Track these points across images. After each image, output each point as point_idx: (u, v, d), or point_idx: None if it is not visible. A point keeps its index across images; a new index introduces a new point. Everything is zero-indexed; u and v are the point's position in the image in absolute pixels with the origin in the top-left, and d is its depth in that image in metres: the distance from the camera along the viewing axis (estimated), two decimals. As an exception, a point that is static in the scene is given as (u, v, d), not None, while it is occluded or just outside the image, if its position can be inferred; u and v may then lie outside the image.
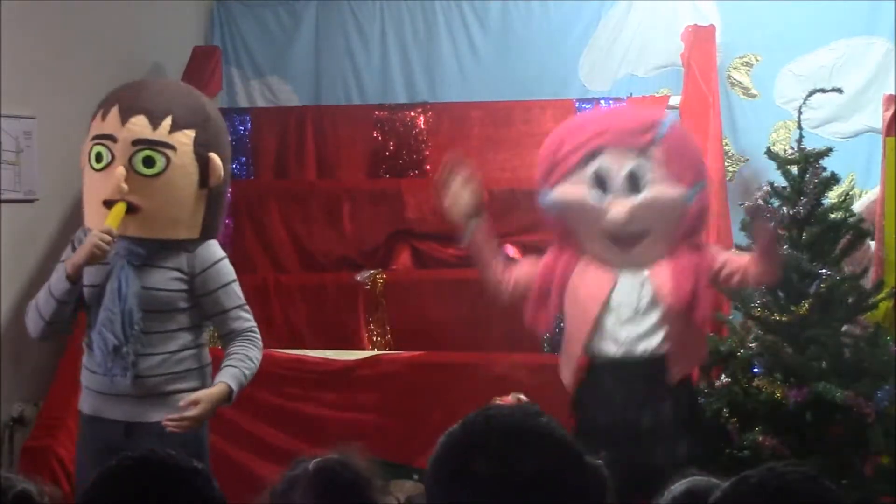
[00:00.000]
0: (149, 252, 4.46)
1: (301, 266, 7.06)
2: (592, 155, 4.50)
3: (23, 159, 6.72)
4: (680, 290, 4.45)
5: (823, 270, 5.28)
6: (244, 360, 4.47)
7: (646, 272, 4.52)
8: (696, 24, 7.23)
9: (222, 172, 4.57)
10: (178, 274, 4.48)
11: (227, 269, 4.58)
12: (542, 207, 4.71)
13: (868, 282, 5.60)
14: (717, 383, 5.35)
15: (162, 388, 4.43)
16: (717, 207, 6.63)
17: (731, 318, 5.73)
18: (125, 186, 4.36)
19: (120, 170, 4.37)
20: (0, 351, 6.53)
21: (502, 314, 6.32)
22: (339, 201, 7.07)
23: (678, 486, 2.69)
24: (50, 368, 6.61)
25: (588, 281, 4.58)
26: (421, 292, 6.59)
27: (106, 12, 7.35)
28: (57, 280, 4.43)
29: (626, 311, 4.51)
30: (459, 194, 4.64)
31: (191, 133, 4.48)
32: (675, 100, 7.13)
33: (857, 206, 5.99)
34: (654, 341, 4.48)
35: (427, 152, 7.35)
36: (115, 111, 4.46)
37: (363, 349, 6.43)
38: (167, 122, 4.44)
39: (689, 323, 4.50)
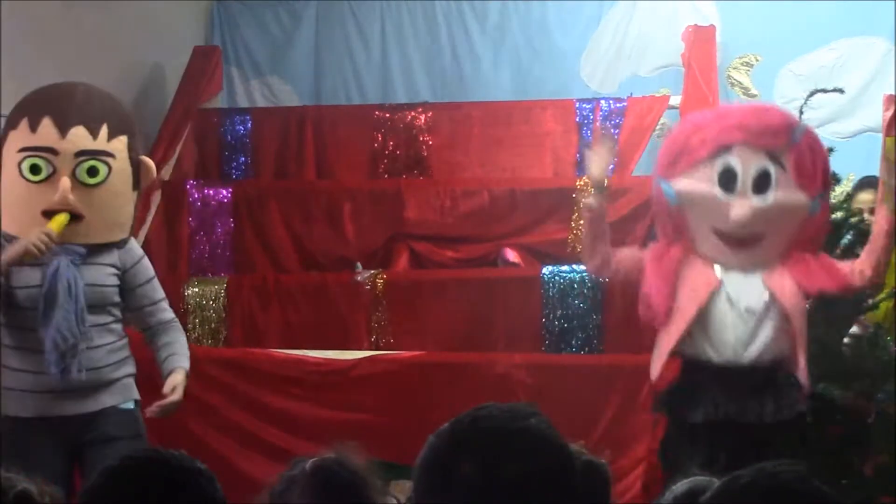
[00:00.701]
0: (88, 251, 4.54)
1: (301, 266, 7.05)
2: (723, 150, 4.41)
3: (22, 159, 6.70)
4: (799, 293, 4.44)
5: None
6: (184, 346, 4.76)
7: (759, 276, 4.48)
8: (696, 25, 7.24)
9: (154, 174, 4.81)
10: (113, 270, 4.60)
11: (150, 264, 4.76)
12: (659, 196, 4.60)
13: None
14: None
15: (108, 376, 4.56)
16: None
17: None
18: (72, 197, 4.43)
19: (65, 181, 4.42)
20: (0, 350, 6.51)
21: (503, 314, 6.34)
22: (339, 201, 7.06)
23: (680, 486, 2.69)
24: (50, 368, 6.59)
25: (692, 280, 4.52)
26: (421, 292, 6.58)
27: (106, 13, 7.34)
28: None
29: (731, 314, 4.48)
30: (604, 157, 4.59)
31: (124, 139, 4.59)
32: (675, 99, 7.13)
33: None
34: (760, 347, 4.46)
35: (427, 152, 7.35)
36: (47, 123, 4.48)
37: (363, 349, 6.43)
38: (104, 130, 4.53)
39: (796, 329, 4.50)
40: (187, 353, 4.74)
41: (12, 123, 4.55)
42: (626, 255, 4.68)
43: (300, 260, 7.08)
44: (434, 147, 7.35)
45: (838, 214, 5.38)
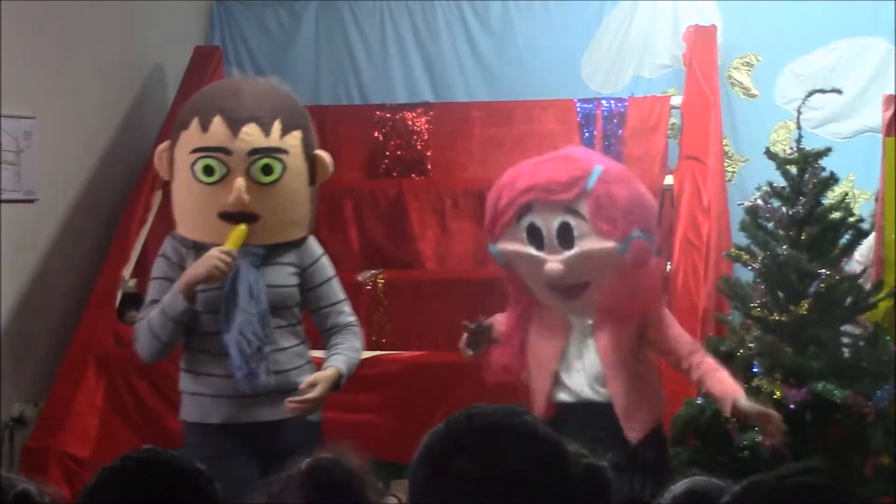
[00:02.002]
0: (268, 251, 4.45)
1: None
2: (524, 210, 4.49)
3: (23, 159, 6.73)
4: (616, 346, 4.49)
5: (823, 270, 5.27)
6: (351, 350, 4.54)
7: (590, 322, 4.55)
8: (697, 24, 7.24)
9: (331, 169, 4.62)
10: (293, 269, 4.50)
11: (329, 264, 4.62)
12: (495, 259, 4.72)
13: (867, 281, 5.60)
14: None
15: (295, 380, 4.41)
16: (717, 207, 6.65)
17: (730, 318, 5.73)
18: (247, 197, 4.32)
19: (240, 181, 4.32)
20: (0, 350, 6.53)
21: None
22: (340, 201, 7.07)
23: (678, 486, 2.69)
24: (51, 368, 6.62)
25: (544, 334, 4.60)
26: (421, 292, 6.59)
27: (106, 12, 7.36)
28: (171, 301, 4.34)
29: (575, 361, 4.54)
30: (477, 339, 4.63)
31: (298, 134, 4.47)
32: (676, 100, 7.13)
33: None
34: (602, 390, 4.51)
35: (428, 152, 7.35)
36: (219, 121, 4.36)
37: (365, 349, 6.43)
38: (277, 126, 4.41)
39: (638, 376, 4.51)
40: (352, 356, 4.53)
41: (183, 124, 4.44)
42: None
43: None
44: (435, 147, 7.36)
45: (837, 215, 5.39)
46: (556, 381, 4.57)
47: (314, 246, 4.60)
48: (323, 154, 4.58)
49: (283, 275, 4.48)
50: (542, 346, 4.61)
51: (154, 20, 7.79)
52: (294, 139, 4.46)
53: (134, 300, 6.81)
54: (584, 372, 4.53)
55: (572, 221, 4.41)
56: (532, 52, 7.83)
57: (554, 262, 4.44)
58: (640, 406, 4.52)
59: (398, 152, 7.33)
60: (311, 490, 2.79)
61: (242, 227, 4.33)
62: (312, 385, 4.33)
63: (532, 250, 4.49)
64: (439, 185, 7.14)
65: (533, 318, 4.63)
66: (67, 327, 6.74)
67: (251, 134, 4.36)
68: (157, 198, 7.05)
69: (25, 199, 6.78)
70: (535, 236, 4.49)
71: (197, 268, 4.30)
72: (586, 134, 7.15)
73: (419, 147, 7.32)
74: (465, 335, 4.61)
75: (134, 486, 2.26)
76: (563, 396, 4.56)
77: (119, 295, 6.76)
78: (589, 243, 4.41)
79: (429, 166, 7.35)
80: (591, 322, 4.54)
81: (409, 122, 7.33)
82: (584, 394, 4.52)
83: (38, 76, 6.86)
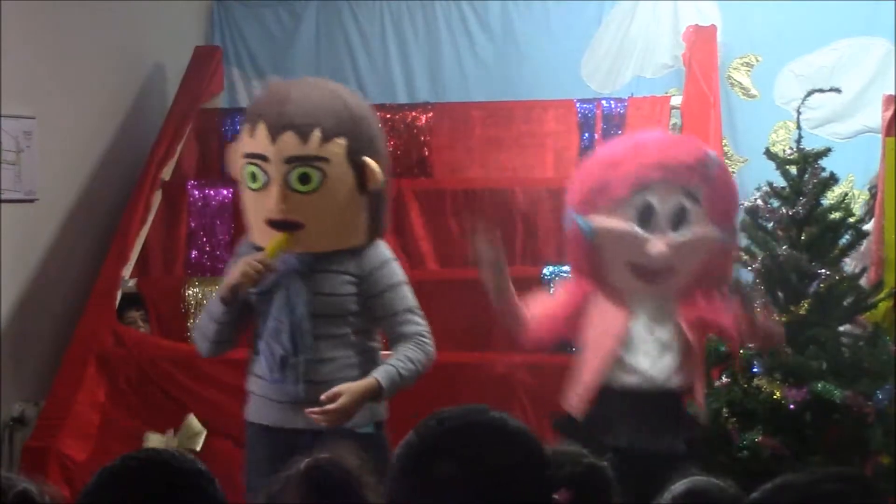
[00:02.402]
0: (317, 258, 4.37)
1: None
2: (643, 187, 4.34)
3: (23, 159, 6.73)
4: (700, 327, 4.44)
5: (822, 271, 5.27)
6: (402, 360, 4.38)
7: (668, 307, 4.46)
8: (697, 24, 7.24)
9: (380, 176, 4.41)
10: (348, 277, 4.38)
11: (396, 270, 4.49)
12: (575, 231, 4.49)
13: (867, 281, 5.60)
14: (717, 383, 5.35)
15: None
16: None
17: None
18: (283, 206, 4.27)
19: (274, 191, 4.28)
20: (0, 350, 6.53)
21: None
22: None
23: (678, 486, 2.69)
24: (51, 368, 6.62)
25: (605, 313, 4.48)
26: (421, 292, 6.56)
27: (107, 12, 7.36)
28: (212, 303, 4.39)
29: (642, 345, 4.45)
30: (487, 259, 4.54)
31: (342, 142, 4.33)
32: (676, 100, 7.14)
33: None
34: (669, 374, 4.46)
35: (428, 152, 7.35)
36: (262, 128, 4.31)
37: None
38: (316, 134, 4.30)
39: (696, 359, 4.49)
40: (402, 367, 4.37)
41: (242, 126, 4.44)
42: (540, 311, 4.61)
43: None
44: (435, 147, 7.36)
45: (836, 215, 5.39)
46: (620, 365, 4.44)
47: (378, 252, 4.48)
48: (369, 161, 4.37)
49: (336, 283, 4.37)
50: (603, 329, 4.47)
51: (154, 20, 7.80)
52: (337, 147, 4.32)
53: (134, 300, 6.82)
54: (653, 356, 4.42)
55: (688, 205, 4.33)
56: (532, 52, 7.84)
57: (659, 244, 4.32)
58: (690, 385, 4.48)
59: (398, 152, 7.32)
60: (308, 490, 2.79)
61: (281, 236, 4.29)
62: (336, 395, 4.21)
63: (637, 228, 4.35)
64: (439, 184, 7.13)
65: (593, 300, 4.50)
66: (68, 327, 6.74)
67: (288, 142, 4.29)
68: (157, 198, 7.06)
69: (25, 199, 6.78)
70: (645, 215, 4.36)
71: (231, 273, 4.30)
72: (586, 134, 7.15)
73: (419, 147, 7.32)
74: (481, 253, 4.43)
75: (134, 486, 2.26)
76: (627, 380, 4.43)
77: (119, 295, 6.76)
78: (699, 229, 4.33)
79: (429, 166, 7.35)
80: (665, 306, 4.45)
81: (410, 122, 7.32)
82: (653, 379, 4.41)
83: (39, 76, 6.86)
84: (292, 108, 4.33)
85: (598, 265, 4.47)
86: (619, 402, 4.39)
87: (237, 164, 4.39)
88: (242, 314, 4.42)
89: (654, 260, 4.34)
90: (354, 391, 4.23)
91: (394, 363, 4.35)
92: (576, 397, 4.48)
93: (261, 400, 4.40)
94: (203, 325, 4.44)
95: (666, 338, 4.41)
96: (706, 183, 4.32)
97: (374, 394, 4.28)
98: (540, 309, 4.58)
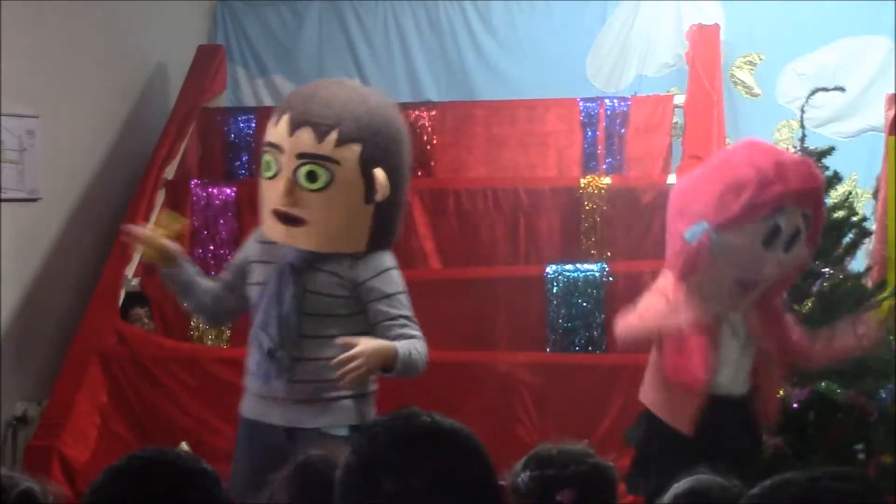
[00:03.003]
0: (315, 256, 4.37)
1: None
2: (782, 210, 4.31)
3: (26, 158, 6.72)
4: (772, 333, 4.46)
5: (826, 269, 5.27)
6: (414, 346, 4.36)
7: (742, 315, 4.46)
8: (700, 24, 7.24)
9: (388, 189, 4.38)
10: (341, 280, 4.36)
11: (395, 280, 4.46)
12: (695, 240, 4.39)
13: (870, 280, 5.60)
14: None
15: (320, 394, 4.31)
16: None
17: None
18: (287, 199, 4.29)
19: (280, 184, 4.30)
20: (2, 350, 6.54)
21: (506, 313, 6.34)
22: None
23: (682, 485, 2.70)
24: (53, 367, 6.62)
25: (698, 328, 4.42)
26: (424, 291, 6.57)
27: (110, 12, 7.36)
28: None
29: (728, 351, 4.45)
30: None
31: (357, 148, 4.29)
32: (679, 99, 7.13)
33: None
34: (743, 381, 4.46)
35: (432, 151, 7.35)
36: (285, 119, 4.33)
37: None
38: (333, 135, 4.27)
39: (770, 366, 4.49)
40: (415, 351, 4.34)
41: (271, 118, 4.47)
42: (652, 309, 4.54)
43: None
44: (438, 146, 7.35)
45: (840, 214, 5.39)
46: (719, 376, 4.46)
47: (378, 261, 4.44)
48: (379, 173, 4.34)
49: (329, 283, 4.36)
50: (696, 341, 4.43)
51: (157, 19, 7.80)
52: (350, 152, 4.29)
53: (139, 297, 6.82)
54: (734, 365, 4.43)
55: (802, 227, 4.34)
56: (536, 51, 7.83)
57: (774, 263, 4.33)
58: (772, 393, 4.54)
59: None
60: (299, 489, 2.79)
61: (172, 218, 4.56)
62: (353, 358, 4.18)
63: (761, 247, 4.32)
64: (442, 183, 7.13)
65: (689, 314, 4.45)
66: (70, 326, 6.74)
67: (303, 138, 4.29)
68: (161, 196, 7.06)
69: (28, 198, 6.78)
70: (772, 235, 4.33)
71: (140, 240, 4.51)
72: (589, 133, 7.15)
73: (422, 146, 7.31)
74: None
75: (140, 485, 2.25)
76: (715, 390, 4.43)
77: (122, 294, 6.76)
78: (802, 252, 4.38)
79: (432, 165, 7.35)
80: (745, 317, 4.45)
81: (412, 121, 7.32)
82: (731, 386, 4.43)
83: (42, 75, 6.86)
84: (316, 105, 4.33)
85: (704, 274, 4.42)
86: (711, 410, 4.39)
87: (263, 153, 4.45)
88: (230, 294, 4.51)
89: (762, 277, 4.35)
90: (372, 346, 4.21)
91: (407, 344, 4.33)
92: (674, 405, 4.46)
93: (247, 394, 4.42)
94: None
95: (745, 344, 4.42)
96: (817, 207, 4.37)
97: (390, 359, 4.25)
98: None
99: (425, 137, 7.31)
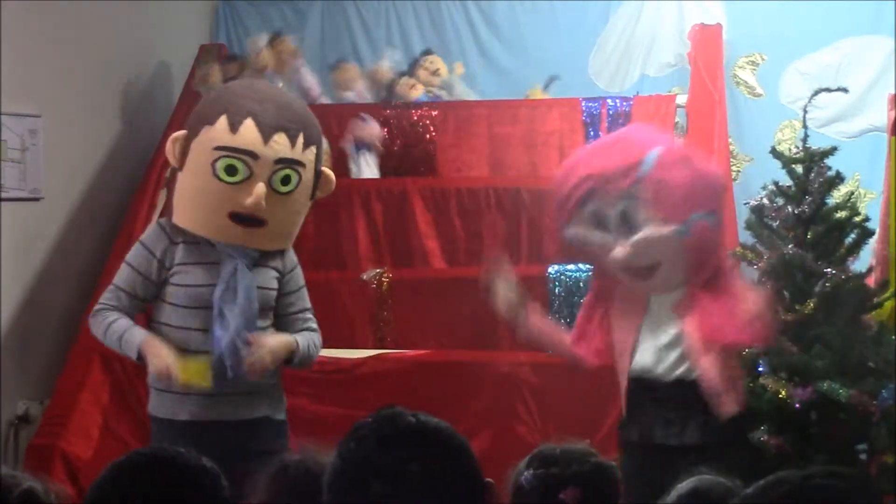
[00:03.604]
0: (262, 253, 4.51)
1: (309, 265, 7.05)
2: (587, 197, 4.45)
3: (28, 157, 6.73)
4: (702, 324, 4.43)
5: (828, 270, 5.27)
6: (312, 340, 4.62)
7: (671, 300, 4.49)
8: (702, 24, 7.24)
9: (333, 187, 4.68)
10: (276, 274, 4.55)
11: (301, 274, 4.69)
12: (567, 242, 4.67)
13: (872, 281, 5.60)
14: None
15: (267, 382, 4.48)
16: (726, 205, 6.65)
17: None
18: (263, 204, 4.35)
19: (261, 187, 4.34)
20: (4, 349, 6.54)
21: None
22: (347, 199, 7.07)
23: (685, 485, 2.70)
24: (55, 366, 6.62)
25: (623, 313, 4.58)
26: (426, 291, 6.59)
27: (111, 11, 7.37)
28: (128, 345, 4.38)
29: (650, 338, 4.49)
30: (503, 293, 4.62)
31: (314, 150, 4.51)
32: (681, 98, 7.13)
33: None
34: (683, 367, 4.47)
35: (434, 151, 7.35)
36: (250, 125, 4.36)
37: (369, 348, 6.44)
38: (301, 139, 4.42)
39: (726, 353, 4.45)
40: (311, 345, 4.59)
41: (206, 118, 4.43)
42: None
43: (308, 258, 7.08)
44: (441, 146, 7.35)
45: (842, 214, 5.39)
46: (635, 357, 4.52)
47: (293, 255, 4.68)
48: (328, 172, 4.63)
49: (269, 277, 4.52)
50: (620, 325, 4.58)
51: (159, 19, 7.80)
52: (311, 154, 4.49)
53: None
54: (657, 349, 4.47)
55: (632, 207, 4.37)
56: (539, 51, 7.83)
57: (619, 248, 4.40)
58: (730, 382, 4.45)
59: (405, 150, 7.32)
60: (280, 489, 2.80)
61: (205, 365, 4.35)
62: (259, 346, 4.38)
63: (598, 235, 4.46)
64: (445, 183, 7.13)
65: (614, 298, 4.60)
66: (72, 325, 6.74)
67: (280, 143, 4.37)
68: (162, 196, 7.05)
69: (30, 198, 6.78)
70: (599, 222, 4.45)
71: (154, 360, 4.31)
72: (591, 133, 7.15)
73: (425, 146, 7.32)
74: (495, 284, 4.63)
75: (140, 482, 2.25)
76: (637, 373, 4.51)
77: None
78: (650, 228, 4.37)
79: (435, 164, 7.35)
80: (670, 299, 4.48)
81: (415, 121, 7.32)
82: (655, 371, 4.46)
83: (44, 74, 6.86)
84: (282, 109, 4.45)
85: (603, 268, 4.58)
86: (642, 394, 4.44)
87: (204, 154, 4.39)
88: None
89: (617, 265, 4.43)
90: (275, 344, 4.43)
91: (307, 337, 4.57)
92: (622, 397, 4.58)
93: (175, 396, 4.40)
94: (112, 340, 4.44)
95: (673, 331, 4.43)
96: (643, 181, 4.34)
97: (290, 353, 4.48)
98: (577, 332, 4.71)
99: (428, 137, 7.31)
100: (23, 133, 6.69)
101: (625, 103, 7.16)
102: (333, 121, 7.46)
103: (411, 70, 7.56)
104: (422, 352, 6.25)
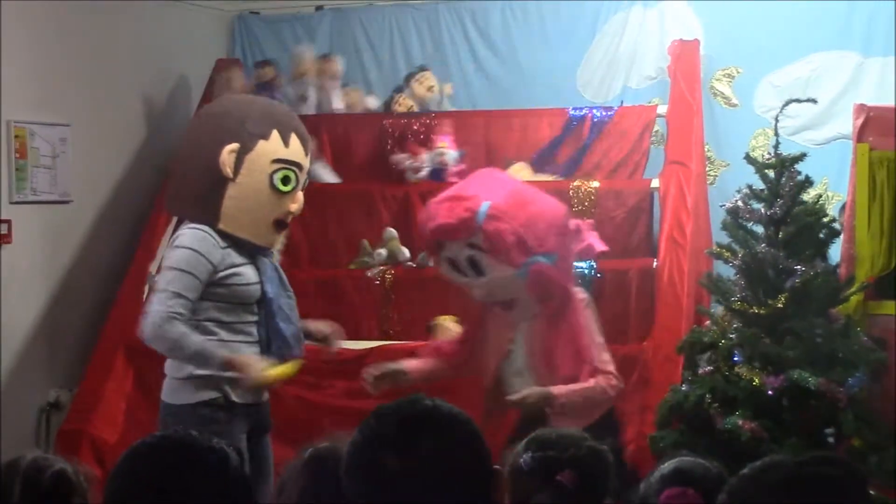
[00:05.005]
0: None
1: (314, 263, 7.06)
2: (438, 247, 4.64)
3: (58, 163, 6.74)
4: (543, 354, 4.57)
5: (799, 267, 5.27)
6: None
7: (523, 331, 4.64)
8: (681, 39, 7.23)
9: None
10: None
11: None
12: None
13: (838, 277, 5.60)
14: (701, 371, 5.36)
15: None
16: (702, 208, 6.67)
17: (712, 310, 5.75)
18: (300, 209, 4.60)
19: (301, 194, 4.57)
20: (36, 341, 6.55)
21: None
22: (351, 204, 7.07)
23: (667, 466, 2.70)
24: (83, 357, 6.63)
25: (492, 334, 4.76)
26: (427, 287, 6.58)
27: (135, 28, 7.38)
28: (209, 360, 4.34)
29: (514, 360, 4.67)
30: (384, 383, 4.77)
31: None
32: (662, 109, 7.13)
33: None
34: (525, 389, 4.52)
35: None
36: (295, 139, 4.53)
37: (374, 340, 6.44)
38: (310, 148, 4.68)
39: (572, 378, 4.51)
40: None
41: (261, 134, 4.47)
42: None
43: (312, 258, 7.08)
44: (439, 152, 7.33)
45: (811, 217, 5.39)
46: (503, 381, 4.68)
47: None
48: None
49: None
50: (489, 349, 4.75)
51: (179, 34, 7.80)
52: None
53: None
54: (519, 375, 4.63)
55: (476, 254, 4.51)
56: (531, 65, 7.82)
57: (476, 289, 4.60)
58: (569, 406, 4.47)
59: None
60: (309, 478, 2.79)
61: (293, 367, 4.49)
62: None
63: (456, 276, 4.64)
64: (444, 187, 7.11)
65: (486, 324, 4.78)
66: (99, 319, 6.75)
67: (308, 152, 4.61)
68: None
69: (61, 201, 6.79)
70: (454, 266, 4.62)
71: (247, 368, 4.34)
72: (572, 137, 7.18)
73: (426, 152, 7.30)
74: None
75: (155, 463, 2.24)
76: (505, 389, 4.64)
77: (146, 289, 6.75)
78: (494, 272, 4.52)
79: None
80: (526, 325, 4.63)
81: (417, 129, 7.31)
82: (510, 391, 4.57)
83: (74, 86, 6.87)
84: (300, 123, 4.64)
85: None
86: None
87: (262, 166, 4.45)
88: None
89: (477, 297, 4.64)
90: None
91: None
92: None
93: (231, 382, 4.42)
94: (187, 353, 4.35)
95: (522, 359, 4.63)
96: (480, 232, 4.46)
97: None
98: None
99: (427, 147, 7.29)
100: (54, 141, 6.70)
101: (607, 113, 7.16)
102: (341, 129, 7.46)
103: (407, 82, 7.55)
104: (423, 343, 6.25)
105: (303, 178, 4.56)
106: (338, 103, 7.62)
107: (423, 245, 4.74)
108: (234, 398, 4.41)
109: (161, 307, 4.33)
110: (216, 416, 4.37)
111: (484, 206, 4.45)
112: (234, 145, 4.44)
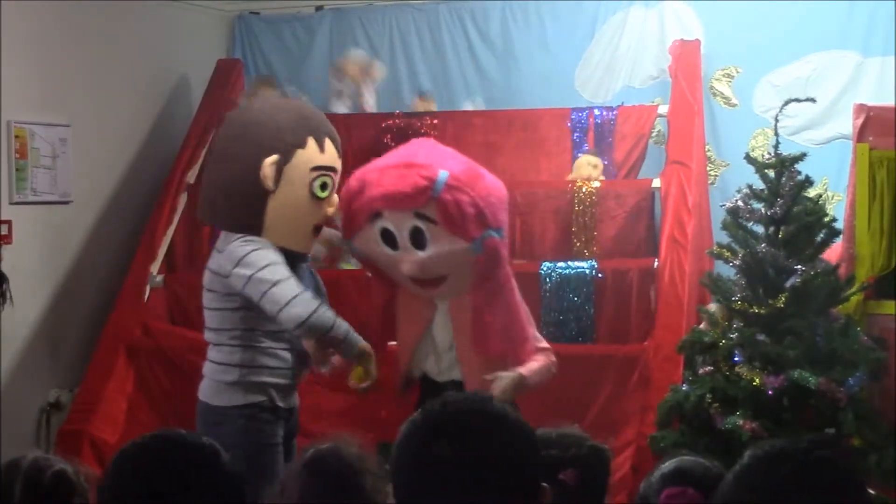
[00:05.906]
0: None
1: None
2: (376, 215, 4.38)
3: (58, 164, 6.74)
4: (475, 332, 4.43)
5: (799, 266, 5.27)
6: None
7: (452, 307, 4.48)
8: (682, 39, 7.23)
9: None
10: None
11: None
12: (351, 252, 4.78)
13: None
14: (701, 371, 5.36)
15: None
16: (704, 207, 6.66)
17: (711, 309, 5.75)
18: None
19: (336, 198, 4.49)
20: (36, 341, 6.55)
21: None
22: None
23: (667, 465, 2.70)
24: (84, 358, 6.63)
25: (409, 317, 4.59)
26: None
27: (137, 29, 7.37)
28: (353, 338, 4.37)
29: (434, 342, 4.53)
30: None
31: None
32: (663, 108, 7.13)
33: None
34: (456, 370, 4.49)
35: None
36: (329, 144, 4.47)
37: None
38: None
39: (497, 363, 4.43)
40: None
41: (297, 143, 4.39)
42: None
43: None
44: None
45: (811, 217, 5.39)
46: (417, 360, 4.56)
47: None
48: None
49: None
50: (405, 328, 4.60)
51: (180, 35, 7.80)
52: None
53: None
54: (437, 352, 4.52)
55: (423, 226, 4.30)
56: (530, 65, 7.82)
57: (409, 263, 4.35)
58: (533, 387, 4.44)
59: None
60: (310, 478, 2.79)
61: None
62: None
63: (387, 250, 4.41)
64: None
65: (398, 303, 4.63)
66: (100, 319, 6.75)
67: (339, 155, 4.55)
68: (183, 200, 7.05)
69: (61, 201, 6.79)
70: (388, 238, 4.39)
71: (372, 360, 4.41)
72: (576, 139, 7.15)
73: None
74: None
75: (150, 462, 2.24)
76: (420, 373, 4.57)
77: (147, 290, 6.75)
78: (441, 245, 4.31)
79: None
80: (452, 306, 4.48)
81: (418, 129, 7.30)
82: (432, 372, 4.52)
83: (74, 87, 6.87)
84: (329, 124, 4.56)
85: (385, 277, 4.60)
86: (429, 394, 4.40)
87: (302, 175, 4.39)
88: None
89: (408, 277, 4.41)
90: None
91: None
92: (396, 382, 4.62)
93: (274, 387, 4.43)
94: (337, 330, 4.34)
95: (449, 337, 4.49)
96: (436, 202, 4.25)
97: None
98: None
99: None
100: (54, 141, 6.70)
101: (610, 113, 7.16)
102: (342, 129, 7.45)
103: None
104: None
105: (337, 179, 4.51)
106: (370, 105, 7.71)
107: (351, 216, 4.45)
108: (279, 402, 4.41)
109: (297, 290, 4.28)
110: (262, 418, 4.38)
111: (443, 175, 4.25)
112: (275, 157, 4.35)
